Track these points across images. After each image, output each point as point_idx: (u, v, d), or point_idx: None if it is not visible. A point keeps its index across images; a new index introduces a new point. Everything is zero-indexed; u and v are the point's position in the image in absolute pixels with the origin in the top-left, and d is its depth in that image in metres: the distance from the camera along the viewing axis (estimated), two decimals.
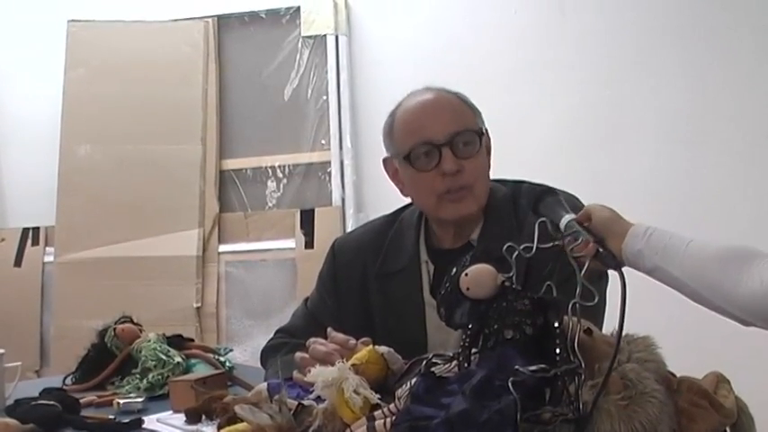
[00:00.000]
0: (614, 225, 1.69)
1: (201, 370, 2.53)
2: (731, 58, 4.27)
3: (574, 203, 2.02)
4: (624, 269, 1.60)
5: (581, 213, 1.73)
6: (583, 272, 1.55)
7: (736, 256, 1.51)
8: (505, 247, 1.54)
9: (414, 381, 1.45)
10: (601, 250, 1.64)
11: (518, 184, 2.29)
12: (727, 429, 1.48)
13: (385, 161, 2.31)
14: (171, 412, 2.17)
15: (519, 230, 2.11)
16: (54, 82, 4.97)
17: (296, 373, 1.99)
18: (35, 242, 5.03)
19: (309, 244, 4.71)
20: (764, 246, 1.56)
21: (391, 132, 2.25)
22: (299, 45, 4.86)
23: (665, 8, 4.38)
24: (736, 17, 4.29)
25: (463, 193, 2.17)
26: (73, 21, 5.00)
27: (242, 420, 1.59)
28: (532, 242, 1.59)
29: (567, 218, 1.71)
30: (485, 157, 2.23)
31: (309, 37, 4.85)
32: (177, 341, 2.68)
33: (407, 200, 2.34)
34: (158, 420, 2.11)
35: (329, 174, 4.78)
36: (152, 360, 2.53)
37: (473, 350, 1.45)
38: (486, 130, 2.24)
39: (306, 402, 1.59)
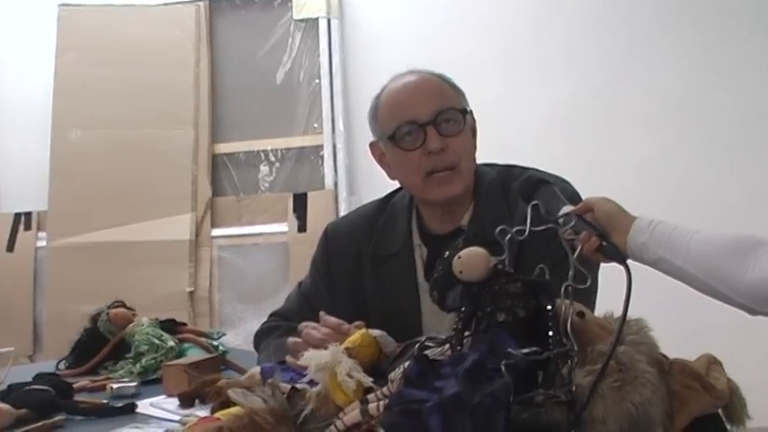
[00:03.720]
0: (618, 218, 1.69)
1: (194, 354, 2.53)
2: (724, 45, 4.29)
3: (565, 189, 2.02)
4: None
5: (580, 205, 1.73)
6: (575, 254, 1.56)
7: (741, 245, 1.52)
8: (498, 230, 1.54)
9: (407, 364, 1.45)
10: (605, 244, 1.64)
11: (508, 168, 2.30)
12: (720, 411, 1.49)
13: (371, 145, 2.32)
14: (164, 396, 2.17)
15: (510, 214, 2.11)
16: (45, 67, 4.96)
17: (289, 358, 1.99)
18: (27, 227, 5.02)
19: (302, 227, 4.72)
20: (756, 229, 1.57)
21: (376, 115, 2.26)
22: (291, 28, 4.86)
23: None
24: (728, 4, 4.29)
25: (450, 174, 2.17)
26: (64, 5, 4.98)
27: (235, 404, 1.59)
28: (524, 226, 1.59)
29: (566, 209, 1.71)
30: (469, 136, 2.24)
31: (301, 20, 4.84)
32: (170, 325, 2.68)
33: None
34: (151, 404, 2.11)
35: (322, 157, 4.78)
36: (145, 344, 2.53)
37: (466, 333, 1.46)
38: (471, 111, 2.25)
39: (299, 386, 1.59)
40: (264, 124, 4.89)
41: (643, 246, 1.63)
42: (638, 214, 1.70)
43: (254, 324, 2.50)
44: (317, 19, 4.82)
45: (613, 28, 4.45)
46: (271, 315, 2.44)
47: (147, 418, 2.02)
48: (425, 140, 2.15)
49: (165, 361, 2.44)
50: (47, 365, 2.69)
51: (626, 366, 1.38)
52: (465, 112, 2.22)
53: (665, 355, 1.49)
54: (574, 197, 2.03)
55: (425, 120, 2.16)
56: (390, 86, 2.26)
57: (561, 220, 1.69)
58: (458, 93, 2.25)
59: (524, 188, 1.84)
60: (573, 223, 1.67)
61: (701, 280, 1.56)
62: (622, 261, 1.59)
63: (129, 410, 2.07)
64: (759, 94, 4.22)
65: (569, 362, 1.37)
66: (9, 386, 2.21)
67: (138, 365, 2.49)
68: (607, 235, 1.66)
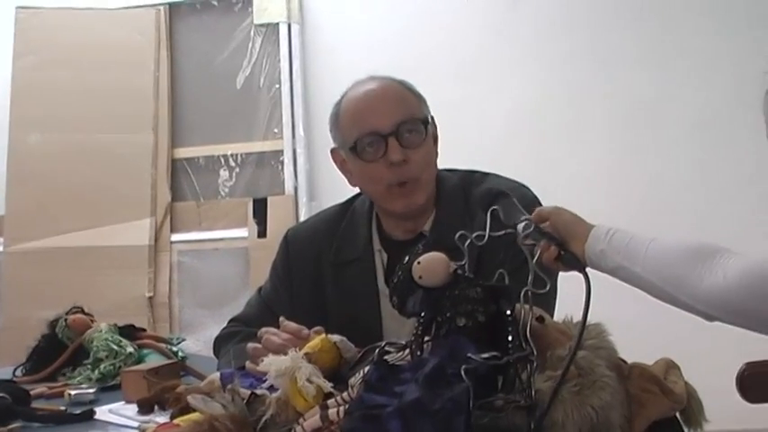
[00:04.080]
0: (575, 227, 1.70)
1: (154, 360, 2.52)
2: (685, 45, 4.32)
3: (525, 195, 2.04)
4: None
5: (534, 214, 1.74)
6: (535, 259, 1.57)
7: (698, 253, 1.53)
8: (458, 235, 1.55)
9: (367, 369, 1.45)
10: (563, 252, 1.65)
11: (469, 173, 2.30)
12: (677, 414, 1.50)
13: (333, 151, 2.31)
14: (123, 403, 2.15)
15: (471, 221, 2.11)
16: (2, 70, 4.90)
17: (248, 363, 1.98)
18: None
19: (262, 233, 4.70)
20: (719, 232, 1.59)
21: (337, 123, 2.25)
22: (252, 33, 4.84)
23: None
24: (688, 5, 4.34)
25: (411, 185, 2.17)
26: (21, 7, 4.93)
27: (195, 410, 1.58)
28: (484, 232, 1.60)
29: (525, 218, 1.72)
30: (431, 145, 2.23)
31: (262, 25, 4.83)
32: (129, 331, 2.66)
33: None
34: (110, 411, 2.09)
35: (282, 162, 4.77)
36: (104, 350, 2.51)
37: (426, 338, 1.46)
38: (432, 118, 2.25)
39: (259, 392, 1.59)
40: (224, 129, 4.87)
41: (601, 253, 1.64)
42: (602, 218, 1.72)
43: (214, 330, 2.49)
44: (277, 24, 4.80)
45: (573, 30, 4.48)
46: (230, 320, 2.43)
47: (106, 425, 2.02)
48: (387, 152, 2.15)
49: (124, 367, 2.43)
50: (4, 372, 2.66)
51: (585, 371, 1.39)
52: (427, 122, 2.22)
53: (623, 360, 1.50)
54: (533, 203, 2.04)
55: (387, 131, 2.15)
56: (351, 94, 2.25)
57: (520, 227, 1.70)
58: (420, 100, 2.24)
59: (483, 202, 1.85)
60: (531, 229, 1.68)
61: (658, 287, 1.58)
62: (582, 269, 1.60)
63: (87, 417, 2.06)
64: (725, 94, 4.26)
65: (529, 366, 1.37)
66: None
67: (96, 372, 2.47)
68: (565, 244, 1.68)
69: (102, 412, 2.09)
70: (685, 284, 1.53)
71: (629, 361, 1.50)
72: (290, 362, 1.55)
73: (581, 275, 1.56)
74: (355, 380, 1.47)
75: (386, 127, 2.15)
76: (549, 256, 1.65)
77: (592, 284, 1.50)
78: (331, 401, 1.48)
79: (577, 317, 1.46)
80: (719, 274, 1.48)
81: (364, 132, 2.16)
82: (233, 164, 4.84)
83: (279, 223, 4.54)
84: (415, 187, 2.18)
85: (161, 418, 1.88)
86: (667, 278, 1.56)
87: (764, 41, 4.20)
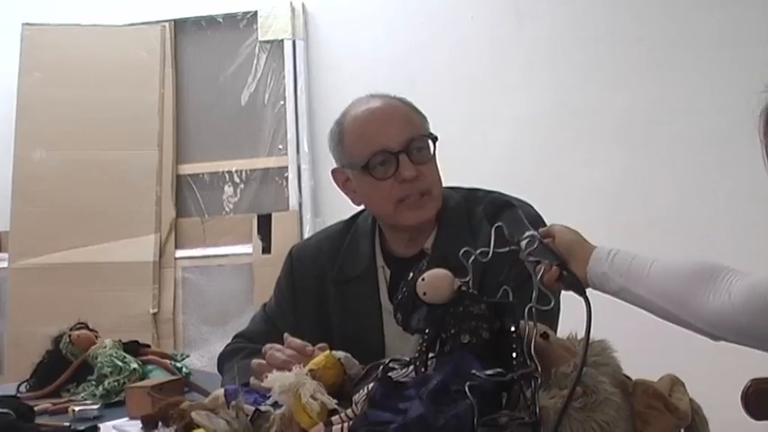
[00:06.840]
0: (577, 248, 1.70)
1: (158, 376, 2.52)
2: (692, 61, 4.32)
3: (528, 212, 2.04)
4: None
5: (542, 231, 1.74)
6: (539, 276, 1.57)
7: (701, 273, 1.53)
8: (462, 251, 1.55)
9: (371, 386, 1.45)
10: (565, 273, 1.66)
11: (471, 191, 2.31)
12: (682, 431, 1.50)
13: (334, 171, 2.31)
14: (127, 419, 2.16)
15: (473, 238, 2.12)
16: (8, 86, 4.91)
17: (253, 380, 1.98)
18: None
19: (266, 249, 4.70)
20: (719, 249, 1.58)
21: (342, 142, 2.25)
22: (257, 50, 4.85)
23: (618, 15, 4.43)
24: (695, 19, 4.35)
25: (422, 198, 2.19)
26: (28, 24, 4.95)
27: (199, 426, 1.58)
28: (488, 248, 1.60)
29: (529, 234, 1.72)
30: (436, 161, 2.25)
31: (267, 42, 4.84)
32: (133, 347, 2.66)
33: None
34: (114, 427, 2.09)
35: (286, 179, 4.77)
36: (108, 366, 2.51)
37: (430, 355, 1.46)
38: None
39: (263, 408, 1.59)
40: (229, 145, 4.88)
41: (603, 276, 1.65)
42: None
43: (218, 346, 2.49)
44: (282, 40, 4.81)
45: (575, 49, 4.48)
46: (235, 336, 2.44)
47: None
48: (398, 169, 2.16)
49: (129, 383, 2.43)
50: (8, 388, 2.67)
51: (590, 388, 1.39)
52: (433, 138, 2.23)
53: (628, 376, 1.50)
54: (537, 220, 2.05)
55: (398, 148, 2.17)
56: (355, 113, 2.26)
57: (524, 244, 1.70)
58: (423, 118, 2.26)
59: (489, 210, 1.86)
60: (535, 246, 1.68)
61: (662, 308, 1.58)
62: (582, 293, 1.61)
63: None
64: (734, 110, 4.25)
65: (533, 383, 1.37)
66: None
67: (100, 388, 2.47)
68: (567, 264, 1.68)
69: (106, 428, 2.09)
70: (690, 305, 1.53)
71: (634, 377, 1.50)
72: (294, 378, 1.55)
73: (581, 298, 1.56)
74: (359, 396, 1.47)
75: (396, 145, 2.17)
76: (550, 276, 1.65)
77: (595, 299, 1.50)
78: (335, 418, 1.48)
79: (582, 334, 1.46)
80: (724, 294, 1.47)
81: (375, 150, 2.17)
82: (237, 180, 4.84)
83: (283, 239, 4.54)
84: (427, 200, 2.20)
85: None
86: (671, 299, 1.56)
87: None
